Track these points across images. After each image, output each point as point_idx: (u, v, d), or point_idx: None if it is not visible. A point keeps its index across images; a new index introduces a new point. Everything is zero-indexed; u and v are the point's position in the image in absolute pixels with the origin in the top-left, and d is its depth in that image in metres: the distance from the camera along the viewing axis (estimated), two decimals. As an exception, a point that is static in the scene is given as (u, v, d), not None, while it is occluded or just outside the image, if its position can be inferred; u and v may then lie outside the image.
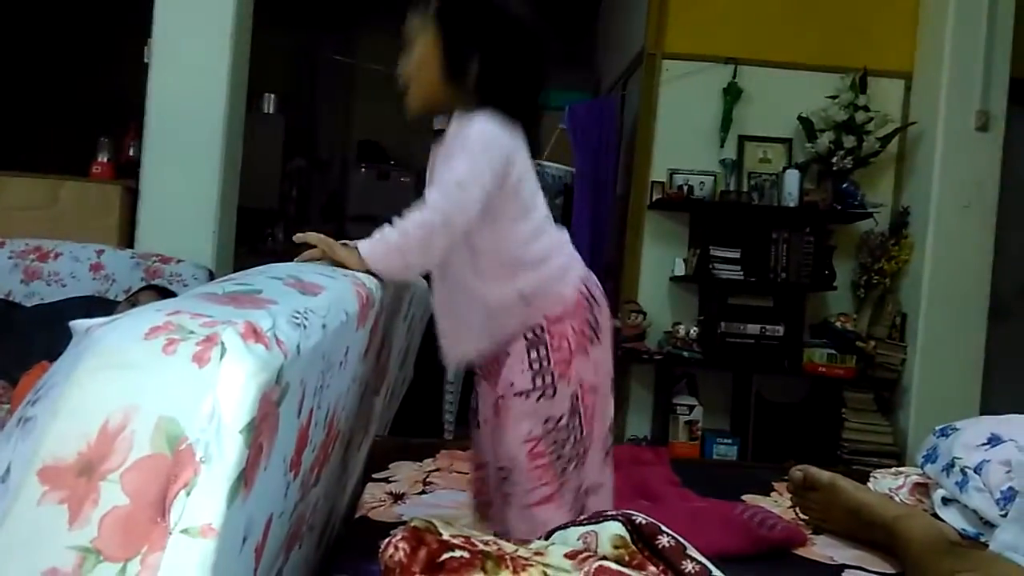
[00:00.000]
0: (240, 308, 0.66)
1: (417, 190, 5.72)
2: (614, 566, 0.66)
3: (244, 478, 0.58)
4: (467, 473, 1.70)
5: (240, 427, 0.57)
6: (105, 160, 3.50)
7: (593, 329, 1.28)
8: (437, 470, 1.70)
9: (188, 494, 0.55)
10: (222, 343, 0.58)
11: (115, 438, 0.55)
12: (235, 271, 3.26)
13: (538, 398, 1.23)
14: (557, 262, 1.29)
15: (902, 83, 4.01)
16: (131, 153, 3.54)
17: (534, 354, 1.24)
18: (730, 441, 3.75)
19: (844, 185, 3.82)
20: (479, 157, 1.18)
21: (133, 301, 2.80)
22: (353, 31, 6.24)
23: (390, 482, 1.61)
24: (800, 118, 3.88)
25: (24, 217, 3.27)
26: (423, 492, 1.57)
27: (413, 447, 1.84)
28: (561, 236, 1.33)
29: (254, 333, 0.61)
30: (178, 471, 0.55)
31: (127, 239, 3.35)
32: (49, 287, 3.07)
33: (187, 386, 0.56)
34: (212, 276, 3.24)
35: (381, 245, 1.18)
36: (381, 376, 1.41)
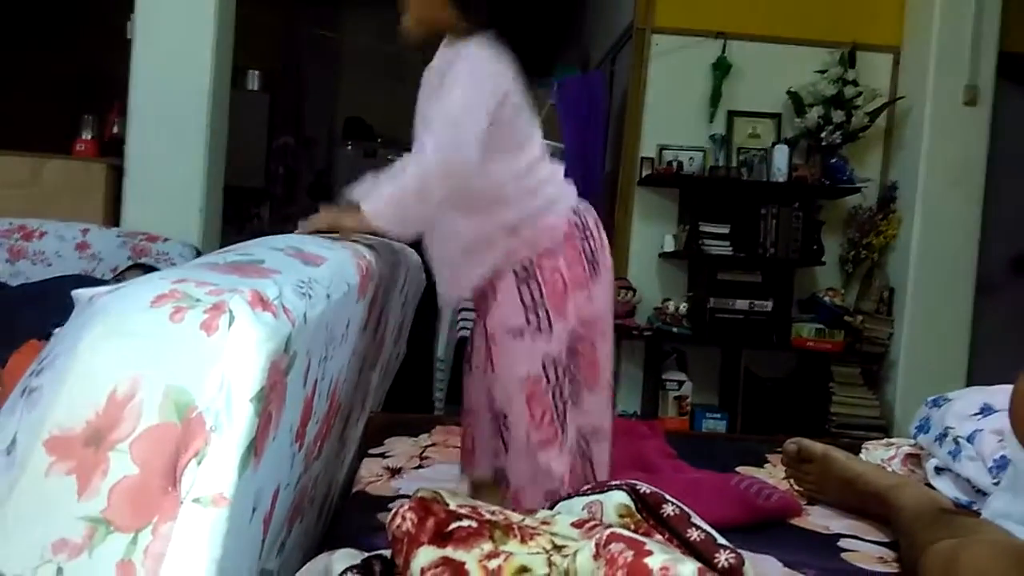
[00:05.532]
0: (245, 277, 0.65)
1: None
2: (625, 532, 0.66)
3: (254, 447, 0.57)
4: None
5: (250, 396, 0.56)
6: (89, 138, 3.46)
7: (590, 263, 1.23)
8: (433, 445, 1.70)
9: (199, 463, 0.54)
10: (230, 311, 0.57)
11: (123, 407, 0.54)
12: (224, 249, 3.16)
13: (532, 336, 1.18)
14: (546, 193, 1.23)
15: (890, 57, 4.01)
16: (115, 130, 3.50)
17: (524, 289, 1.19)
18: (719, 416, 3.77)
19: (833, 160, 3.83)
20: (472, 92, 1.12)
21: (121, 279, 2.78)
22: (337, 5, 6.17)
23: (386, 457, 1.61)
24: (789, 93, 3.88)
25: (7, 196, 3.23)
26: (419, 467, 1.57)
27: (408, 422, 1.84)
28: (554, 168, 1.26)
29: (261, 301, 0.60)
30: (188, 440, 0.54)
31: (112, 218, 3.32)
32: (34, 266, 3.04)
33: (196, 354, 0.55)
34: (199, 255, 3.22)
35: (379, 201, 1.13)
36: (378, 350, 1.40)
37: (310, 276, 0.74)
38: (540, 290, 1.19)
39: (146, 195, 3.32)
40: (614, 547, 0.63)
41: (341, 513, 1.35)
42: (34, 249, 3.05)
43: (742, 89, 3.99)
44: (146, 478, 0.53)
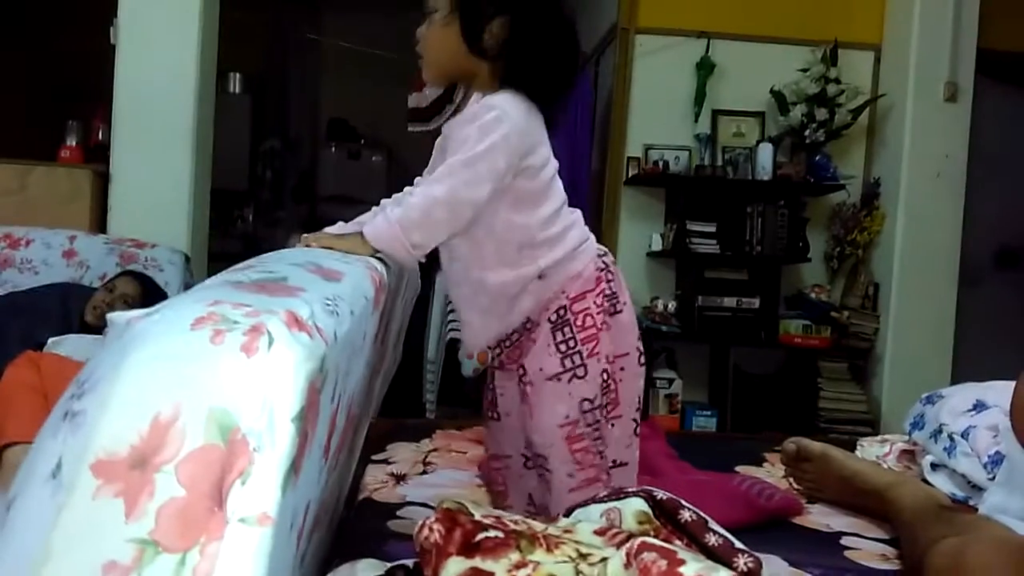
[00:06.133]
0: (275, 297, 0.66)
1: (388, 168, 5.63)
2: (656, 541, 0.68)
3: (295, 466, 0.58)
4: (465, 452, 1.72)
5: (292, 416, 0.57)
6: (74, 144, 3.43)
7: (612, 301, 1.27)
8: (435, 450, 1.71)
9: (243, 483, 0.55)
10: (269, 332, 0.58)
11: (167, 430, 0.55)
12: (209, 254, 3.19)
13: (570, 379, 1.22)
14: (572, 238, 1.26)
15: (871, 55, 4.06)
16: (100, 136, 3.48)
17: (560, 335, 1.23)
18: (709, 413, 3.80)
19: (816, 158, 3.87)
20: (495, 138, 1.14)
21: (111, 287, 2.76)
22: (319, 7, 6.15)
23: (390, 463, 1.62)
24: (772, 92, 3.91)
25: (-8, 204, 3.21)
26: (424, 472, 1.58)
27: (408, 428, 1.85)
28: (576, 215, 1.31)
29: (296, 322, 0.61)
30: (233, 461, 0.55)
31: (99, 224, 3.31)
32: (22, 274, 3.02)
33: (238, 376, 0.56)
34: (188, 260, 3.21)
35: (383, 223, 1.14)
36: (382, 358, 1.41)
37: (334, 293, 0.75)
38: (574, 335, 1.23)
39: (132, 201, 3.30)
40: (646, 556, 0.65)
41: (349, 521, 1.36)
42: (21, 257, 3.03)
43: (726, 88, 4.02)
44: (192, 499, 0.54)
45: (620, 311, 1.29)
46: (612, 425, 1.27)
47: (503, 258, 1.23)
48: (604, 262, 1.30)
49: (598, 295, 1.25)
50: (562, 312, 1.24)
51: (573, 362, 1.22)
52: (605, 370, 1.24)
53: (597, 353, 1.23)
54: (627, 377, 1.29)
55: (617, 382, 1.28)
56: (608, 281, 1.28)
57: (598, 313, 1.24)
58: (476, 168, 1.14)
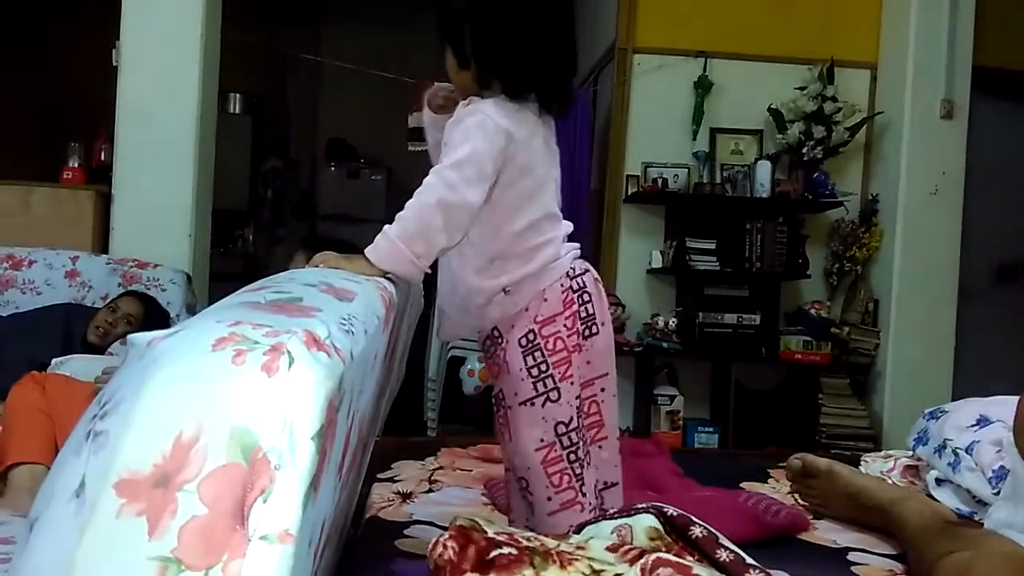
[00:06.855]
0: (292, 317, 0.67)
1: (388, 187, 5.65)
2: (671, 557, 0.68)
3: (314, 484, 0.59)
4: (471, 471, 1.72)
5: (312, 434, 0.58)
6: (76, 165, 3.45)
7: (586, 323, 1.26)
8: (441, 468, 1.72)
9: (265, 501, 0.56)
10: (288, 352, 0.59)
11: (190, 449, 0.55)
12: (210, 274, 3.19)
13: (543, 403, 1.21)
14: (541, 257, 1.24)
15: (868, 73, 4.09)
16: (102, 157, 3.50)
17: (531, 360, 1.22)
18: (711, 429, 3.80)
19: (815, 175, 3.89)
20: (476, 142, 1.15)
21: (113, 307, 2.77)
22: (318, 27, 6.19)
23: (396, 481, 1.62)
24: (770, 109, 3.94)
25: (-5, 225, 3.22)
26: (430, 491, 1.58)
27: (413, 446, 1.85)
28: (555, 231, 1.27)
29: (315, 342, 0.62)
30: (254, 479, 0.56)
31: (101, 245, 3.32)
32: (24, 295, 3.03)
33: (259, 396, 0.57)
34: (190, 280, 3.22)
35: (384, 241, 1.14)
36: (388, 376, 1.41)
37: (349, 312, 0.76)
38: (545, 359, 1.22)
39: (134, 221, 3.32)
40: (662, 572, 0.65)
41: (356, 539, 1.36)
42: (24, 278, 3.04)
43: (724, 106, 4.05)
44: (215, 517, 0.54)
45: (597, 332, 1.28)
46: (600, 447, 1.28)
47: (476, 265, 1.25)
48: (579, 282, 1.27)
49: (568, 317, 1.24)
50: (532, 337, 1.23)
51: (545, 386, 1.22)
52: (579, 394, 1.24)
53: (570, 376, 1.23)
54: (608, 398, 1.29)
55: (600, 404, 1.28)
56: (584, 303, 1.27)
57: (569, 336, 1.24)
58: (463, 171, 1.15)
